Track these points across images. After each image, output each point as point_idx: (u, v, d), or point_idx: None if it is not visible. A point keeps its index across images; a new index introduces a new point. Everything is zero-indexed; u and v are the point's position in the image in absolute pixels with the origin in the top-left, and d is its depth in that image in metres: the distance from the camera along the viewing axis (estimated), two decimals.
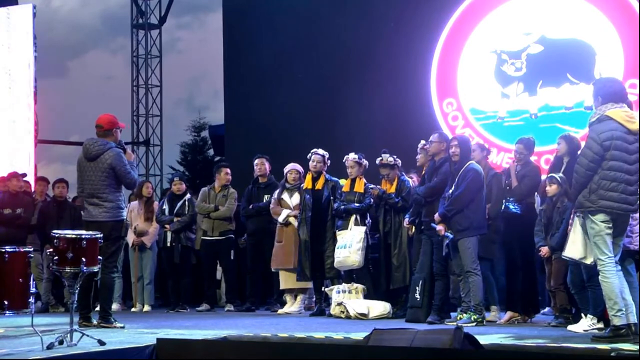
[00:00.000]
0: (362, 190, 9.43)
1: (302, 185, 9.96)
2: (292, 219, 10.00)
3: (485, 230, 8.15)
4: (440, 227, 8.11)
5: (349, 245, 9.18)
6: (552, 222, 7.87)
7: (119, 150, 7.90)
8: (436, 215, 8.17)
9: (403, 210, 9.17)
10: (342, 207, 9.41)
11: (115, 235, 7.87)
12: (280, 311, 10.03)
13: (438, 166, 8.47)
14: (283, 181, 10.20)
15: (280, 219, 10.03)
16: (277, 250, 10.09)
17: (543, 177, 8.53)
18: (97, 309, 8.03)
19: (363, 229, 9.26)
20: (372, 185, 9.44)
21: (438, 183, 8.40)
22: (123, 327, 7.71)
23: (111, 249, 7.81)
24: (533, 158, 8.96)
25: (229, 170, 10.91)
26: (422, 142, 8.96)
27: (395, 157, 9.35)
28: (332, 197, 9.63)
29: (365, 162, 9.54)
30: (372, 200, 9.38)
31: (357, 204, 9.36)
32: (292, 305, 10.08)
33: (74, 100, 29.65)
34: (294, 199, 10.07)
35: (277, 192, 10.17)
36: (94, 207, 7.86)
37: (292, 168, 10.20)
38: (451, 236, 8.03)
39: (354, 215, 9.34)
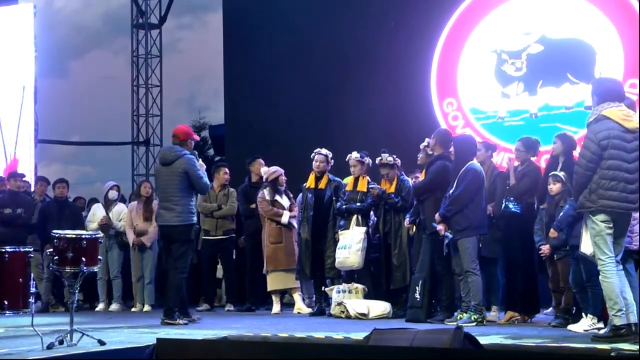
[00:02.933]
0: (365, 189, 9.42)
1: (286, 186, 10.14)
2: (292, 220, 10.02)
3: (485, 230, 8.15)
4: (440, 227, 8.13)
5: (349, 246, 9.18)
6: (554, 220, 7.85)
7: (193, 157, 8.40)
8: (437, 215, 8.18)
9: (403, 210, 9.17)
10: (344, 206, 9.42)
11: (185, 238, 8.31)
12: (273, 312, 10.06)
13: (429, 165, 8.51)
14: (274, 183, 10.10)
15: (285, 220, 10.02)
16: (276, 251, 10.06)
17: None
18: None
19: (363, 229, 9.25)
20: (372, 185, 9.44)
21: (425, 183, 8.52)
22: (187, 324, 8.11)
23: (180, 250, 8.28)
24: (533, 158, 8.95)
25: (227, 170, 10.98)
26: (427, 140, 8.91)
27: (394, 156, 9.35)
28: (334, 197, 9.63)
29: (367, 160, 9.54)
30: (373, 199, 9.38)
31: (358, 204, 9.37)
32: (299, 306, 10.09)
33: (75, 100, 29.65)
34: (285, 201, 10.10)
35: (266, 193, 10.09)
36: (167, 211, 8.32)
37: (281, 171, 10.17)
38: (451, 236, 8.04)
39: (355, 215, 9.34)
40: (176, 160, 8.28)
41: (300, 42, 13.34)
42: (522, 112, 11.40)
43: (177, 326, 7.99)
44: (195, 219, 8.50)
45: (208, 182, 8.49)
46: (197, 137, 8.71)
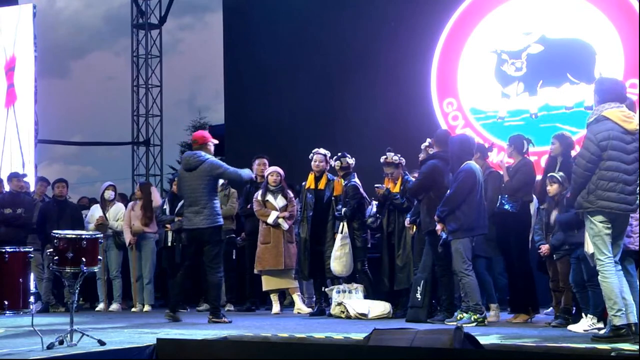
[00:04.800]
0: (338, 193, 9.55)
1: (282, 186, 10.11)
2: (281, 221, 10.00)
3: (481, 231, 8.07)
4: (438, 227, 8.13)
5: (333, 253, 9.32)
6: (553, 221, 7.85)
7: (215, 160, 8.68)
8: (435, 216, 8.18)
9: (407, 211, 9.14)
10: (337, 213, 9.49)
11: (216, 240, 8.59)
12: (273, 312, 10.06)
13: (421, 165, 8.54)
14: (265, 183, 10.17)
15: (270, 220, 10.00)
16: (264, 251, 10.06)
17: (539, 177, 8.51)
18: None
19: (339, 237, 9.30)
20: (377, 185, 9.41)
21: (415, 183, 8.57)
22: (230, 322, 8.40)
23: (213, 251, 8.57)
24: (534, 158, 8.94)
25: None
26: (428, 140, 8.90)
27: (399, 155, 9.33)
28: (333, 198, 9.63)
29: (331, 162, 9.64)
30: (351, 203, 9.36)
31: (342, 210, 9.42)
32: (299, 306, 10.08)
33: (76, 100, 29.71)
34: (279, 201, 10.09)
35: (259, 194, 10.14)
36: (195, 215, 8.56)
37: (272, 170, 10.19)
38: (444, 235, 8.05)
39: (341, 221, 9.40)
40: (200, 165, 8.51)
41: (300, 42, 13.35)
42: (522, 112, 11.41)
43: (223, 324, 8.27)
44: (222, 220, 8.70)
45: (236, 171, 8.63)
46: (215, 140, 8.90)
